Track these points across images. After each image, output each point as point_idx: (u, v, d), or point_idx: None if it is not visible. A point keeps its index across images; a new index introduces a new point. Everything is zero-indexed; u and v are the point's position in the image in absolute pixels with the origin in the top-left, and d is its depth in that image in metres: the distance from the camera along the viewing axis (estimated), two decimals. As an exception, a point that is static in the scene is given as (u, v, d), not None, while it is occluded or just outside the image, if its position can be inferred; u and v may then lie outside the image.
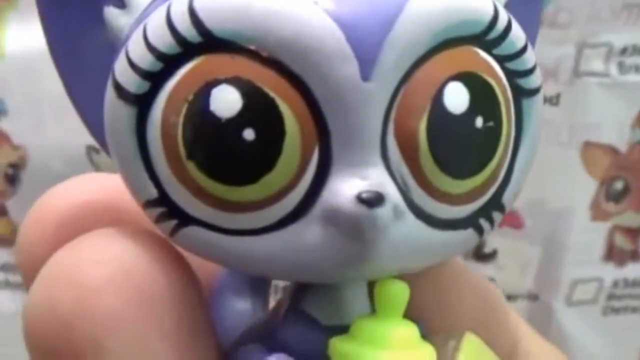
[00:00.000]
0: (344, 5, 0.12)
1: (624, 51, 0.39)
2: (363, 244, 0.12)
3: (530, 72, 0.13)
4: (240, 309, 0.14)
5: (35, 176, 0.39)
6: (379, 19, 0.12)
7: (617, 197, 0.41)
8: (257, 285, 0.14)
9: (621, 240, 0.42)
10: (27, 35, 0.38)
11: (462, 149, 0.12)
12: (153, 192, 0.13)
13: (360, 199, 0.12)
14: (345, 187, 0.12)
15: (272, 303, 0.15)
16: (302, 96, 0.12)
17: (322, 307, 0.14)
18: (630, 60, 0.40)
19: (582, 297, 0.41)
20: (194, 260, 0.14)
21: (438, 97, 0.12)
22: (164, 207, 0.13)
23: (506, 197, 0.13)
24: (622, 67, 0.40)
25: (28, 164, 0.39)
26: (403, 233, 0.12)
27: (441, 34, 0.12)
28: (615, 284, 0.42)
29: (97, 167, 0.39)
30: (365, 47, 0.12)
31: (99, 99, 0.13)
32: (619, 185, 0.42)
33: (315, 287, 0.14)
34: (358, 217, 0.12)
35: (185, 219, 0.13)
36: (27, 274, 0.15)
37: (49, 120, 0.39)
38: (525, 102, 0.13)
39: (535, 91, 0.13)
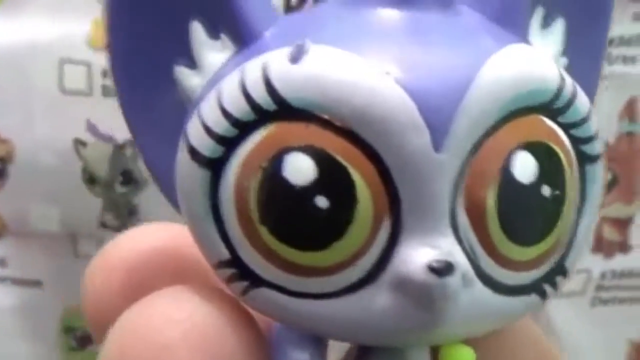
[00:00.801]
0: (416, 75, 0.12)
1: (610, 42, 0.39)
2: (432, 312, 0.12)
3: (593, 138, 0.13)
4: None
5: (23, 170, 0.39)
6: (451, 89, 0.12)
7: (605, 189, 0.42)
8: (316, 339, 0.14)
9: (609, 232, 0.42)
10: (14, 30, 0.37)
11: (529, 218, 0.13)
12: (225, 254, 0.13)
13: (431, 268, 0.12)
14: (416, 256, 0.12)
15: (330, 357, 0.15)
16: (374, 165, 0.12)
17: None
18: (617, 51, 0.40)
19: (570, 288, 0.41)
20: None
21: (507, 167, 0.12)
22: (236, 268, 0.13)
23: (569, 262, 0.14)
24: (609, 59, 0.40)
25: (16, 158, 0.39)
26: (471, 300, 0.13)
27: (510, 104, 0.12)
28: (603, 275, 0.42)
29: (84, 161, 0.39)
30: (437, 117, 0.12)
31: (166, 152, 0.14)
32: (607, 176, 0.42)
33: (379, 350, 0.14)
34: (429, 286, 0.12)
35: (256, 281, 0.13)
36: (93, 320, 0.16)
37: (37, 115, 0.39)
38: (589, 168, 0.13)
39: (597, 157, 0.13)
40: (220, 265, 0.13)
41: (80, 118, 0.38)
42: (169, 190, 0.14)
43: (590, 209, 0.14)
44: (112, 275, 0.15)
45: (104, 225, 0.39)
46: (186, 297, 0.14)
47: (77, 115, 0.38)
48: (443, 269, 0.12)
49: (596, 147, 0.13)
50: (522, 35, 0.13)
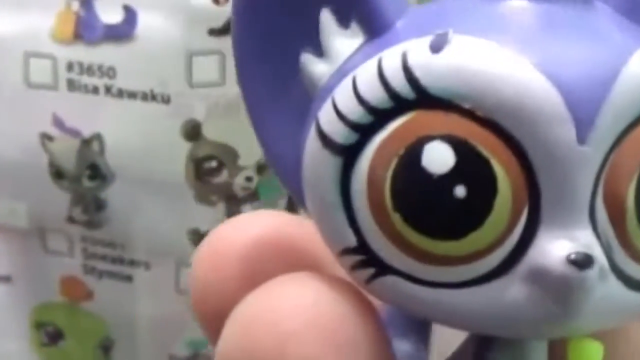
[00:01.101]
0: (563, 68, 0.12)
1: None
2: (569, 304, 0.12)
3: None
4: (404, 350, 0.14)
5: (-10, 165, 0.38)
6: (597, 82, 0.12)
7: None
8: (422, 326, 0.14)
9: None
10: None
11: None
12: (352, 240, 0.13)
13: (570, 261, 0.12)
14: (554, 248, 0.12)
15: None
16: (515, 156, 0.12)
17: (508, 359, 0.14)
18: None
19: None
20: None
21: None
22: (363, 255, 0.13)
23: None
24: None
25: (-18, 152, 0.38)
26: (604, 294, 0.12)
27: None
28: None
29: (51, 155, 0.39)
30: (583, 110, 0.12)
31: (293, 148, 0.14)
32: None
33: (500, 341, 0.14)
34: (567, 278, 0.12)
35: (383, 268, 0.13)
36: (203, 311, 0.15)
37: (2, 109, 0.38)
38: None
39: None
40: (346, 252, 0.13)
41: (46, 112, 0.38)
42: (289, 180, 0.14)
43: None
44: (223, 263, 0.15)
45: (71, 220, 0.39)
46: (311, 284, 0.13)
47: (42, 110, 0.38)
48: (582, 262, 0.12)
49: None
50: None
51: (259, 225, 0.15)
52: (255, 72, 0.14)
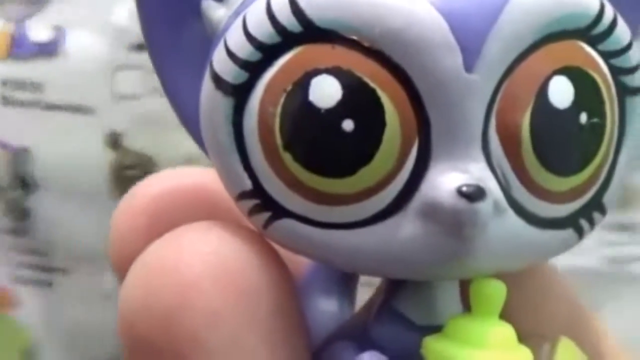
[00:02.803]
0: (448, 3, 0.12)
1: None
2: (462, 240, 0.12)
3: (635, 69, 0.13)
4: (327, 309, 0.14)
5: None
6: (484, 10, 0.12)
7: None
8: (344, 284, 0.14)
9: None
10: None
11: (565, 145, 0.12)
12: (247, 184, 0.13)
13: (460, 193, 0.12)
14: (445, 181, 0.12)
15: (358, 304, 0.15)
16: (403, 87, 0.12)
17: (415, 306, 0.13)
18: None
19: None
20: (283, 256, 0.14)
21: (542, 91, 0.12)
22: (258, 199, 0.13)
23: (607, 198, 0.13)
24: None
25: None
26: (502, 230, 0.12)
27: (546, 27, 0.12)
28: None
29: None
30: (470, 38, 0.12)
31: (195, 94, 0.13)
32: None
33: (408, 286, 0.13)
34: (458, 211, 0.12)
35: (279, 212, 0.13)
36: (118, 261, 0.15)
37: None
38: (629, 101, 0.13)
39: (638, 90, 0.13)
40: (243, 196, 0.13)
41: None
42: (193, 127, 0.14)
43: (631, 142, 0.13)
44: (137, 217, 0.15)
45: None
46: (212, 233, 0.13)
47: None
48: (473, 194, 0.11)
49: (637, 79, 0.13)
50: None
51: (176, 178, 0.16)
52: (156, 14, 0.14)
